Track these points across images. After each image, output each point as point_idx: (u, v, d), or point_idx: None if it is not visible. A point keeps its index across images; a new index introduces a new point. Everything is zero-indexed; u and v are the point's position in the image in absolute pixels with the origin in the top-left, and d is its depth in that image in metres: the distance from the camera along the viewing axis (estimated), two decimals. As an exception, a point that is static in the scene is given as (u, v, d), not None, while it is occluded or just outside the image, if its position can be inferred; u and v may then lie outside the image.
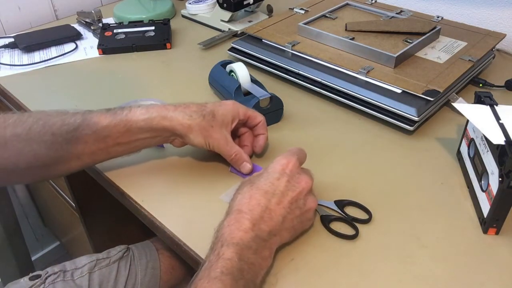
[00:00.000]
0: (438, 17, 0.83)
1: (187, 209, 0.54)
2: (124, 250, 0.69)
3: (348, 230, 0.50)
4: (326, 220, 0.50)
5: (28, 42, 0.89)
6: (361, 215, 0.51)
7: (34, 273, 0.63)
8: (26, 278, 0.62)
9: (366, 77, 0.68)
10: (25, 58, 0.88)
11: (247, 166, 0.56)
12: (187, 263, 0.51)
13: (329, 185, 0.56)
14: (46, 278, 0.62)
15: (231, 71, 0.70)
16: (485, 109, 0.53)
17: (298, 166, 0.48)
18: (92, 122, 0.52)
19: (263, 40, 0.80)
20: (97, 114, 0.53)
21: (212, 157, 0.60)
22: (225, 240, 0.41)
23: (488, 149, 0.49)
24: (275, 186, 0.45)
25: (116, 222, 0.96)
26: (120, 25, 0.95)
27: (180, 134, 0.53)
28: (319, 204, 0.52)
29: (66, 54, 0.89)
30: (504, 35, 0.77)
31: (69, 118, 0.52)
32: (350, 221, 0.51)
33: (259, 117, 0.58)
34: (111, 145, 0.53)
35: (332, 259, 0.47)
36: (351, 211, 0.52)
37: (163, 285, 0.70)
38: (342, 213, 0.52)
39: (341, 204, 0.53)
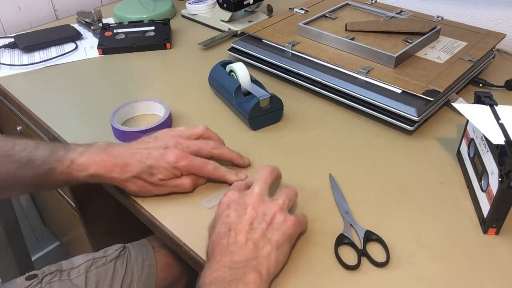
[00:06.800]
0: (438, 17, 0.83)
1: (187, 209, 0.54)
2: (121, 249, 0.69)
3: (352, 258, 0.47)
4: (339, 240, 0.48)
5: (28, 42, 0.89)
6: (379, 254, 0.47)
7: (31, 273, 0.63)
8: (22, 278, 0.62)
9: (366, 77, 0.68)
10: (25, 58, 0.88)
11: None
12: (183, 261, 0.51)
13: (329, 186, 0.56)
14: (42, 278, 0.62)
15: (231, 71, 0.70)
16: (485, 109, 0.53)
17: (237, 193, 0.48)
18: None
19: (263, 40, 0.80)
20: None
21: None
22: (199, 285, 0.41)
23: (488, 149, 0.49)
24: (228, 223, 0.45)
25: (116, 222, 0.96)
26: (120, 25, 0.95)
27: None
28: (351, 225, 0.50)
29: (66, 54, 0.89)
30: (504, 35, 0.77)
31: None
32: (361, 254, 0.47)
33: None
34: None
35: (332, 258, 0.47)
36: (372, 247, 0.48)
37: (159, 283, 0.70)
38: (362, 245, 0.48)
39: (369, 236, 0.49)
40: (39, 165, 0.53)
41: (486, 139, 0.49)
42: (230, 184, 0.55)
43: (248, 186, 0.50)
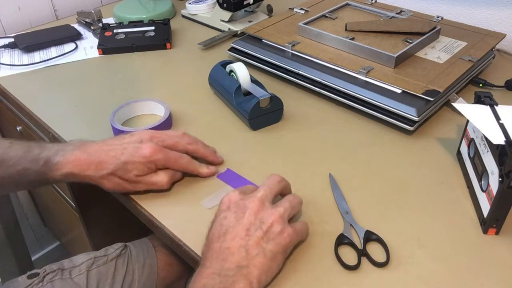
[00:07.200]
0: (438, 17, 0.83)
1: (186, 209, 0.54)
2: (122, 248, 0.69)
3: (352, 258, 0.47)
4: (339, 240, 0.48)
5: (28, 42, 0.89)
6: (379, 254, 0.47)
7: (32, 272, 0.63)
8: (24, 277, 0.62)
9: (366, 77, 0.68)
10: (25, 58, 0.88)
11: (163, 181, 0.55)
12: (184, 260, 0.51)
13: (329, 186, 0.56)
14: (44, 277, 0.62)
15: (231, 71, 0.70)
16: (485, 109, 0.53)
17: (240, 195, 0.47)
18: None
19: (263, 40, 0.80)
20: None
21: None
22: None
23: (488, 149, 0.49)
24: (225, 226, 0.44)
25: (116, 222, 0.96)
26: (120, 25, 0.95)
27: None
28: (351, 225, 0.50)
29: (66, 54, 0.89)
30: (504, 35, 0.77)
31: None
32: (361, 254, 0.47)
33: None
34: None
35: (332, 258, 0.47)
36: (372, 247, 0.48)
37: (160, 282, 0.70)
38: (362, 245, 0.48)
39: (369, 236, 0.49)
40: (13, 165, 0.52)
41: (486, 139, 0.49)
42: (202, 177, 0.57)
43: (254, 190, 0.49)
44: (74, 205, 0.89)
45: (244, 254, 0.42)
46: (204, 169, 0.57)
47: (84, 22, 1.00)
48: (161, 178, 0.54)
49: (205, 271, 0.41)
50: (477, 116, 0.51)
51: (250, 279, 0.41)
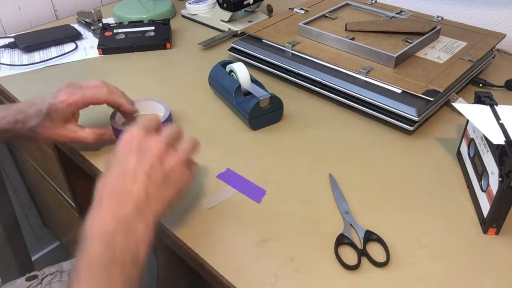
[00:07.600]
0: (438, 17, 0.83)
1: (186, 209, 0.54)
2: None
3: (352, 258, 0.47)
4: (339, 240, 0.48)
5: (28, 42, 0.89)
6: (379, 254, 0.47)
7: (31, 274, 0.63)
8: (23, 279, 0.62)
9: (366, 77, 0.68)
10: (25, 58, 0.88)
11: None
12: (184, 261, 0.51)
13: (329, 186, 0.56)
14: (42, 279, 0.62)
15: (231, 71, 0.70)
16: (485, 109, 0.53)
17: (144, 134, 0.46)
18: None
19: (263, 40, 0.80)
20: None
21: (212, 157, 0.61)
22: (85, 235, 0.40)
23: (488, 149, 0.49)
24: (124, 166, 0.43)
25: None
26: (120, 25, 0.95)
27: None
28: (351, 225, 0.50)
29: (66, 54, 0.89)
30: (504, 35, 0.77)
31: None
32: (361, 254, 0.47)
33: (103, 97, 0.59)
34: None
35: (332, 258, 0.47)
36: (372, 247, 0.48)
37: (160, 283, 0.70)
38: (362, 245, 0.48)
39: (369, 236, 0.49)
40: None
41: (486, 139, 0.49)
42: (129, 116, 0.62)
43: (156, 128, 0.48)
44: (74, 205, 0.89)
45: (144, 198, 0.42)
46: (126, 104, 0.60)
47: (84, 22, 1.00)
48: (86, 134, 0.59)
49: (102, 212, 0.42)
50: (477, 116, 0.51)
51: (147, 222, 0.42)
